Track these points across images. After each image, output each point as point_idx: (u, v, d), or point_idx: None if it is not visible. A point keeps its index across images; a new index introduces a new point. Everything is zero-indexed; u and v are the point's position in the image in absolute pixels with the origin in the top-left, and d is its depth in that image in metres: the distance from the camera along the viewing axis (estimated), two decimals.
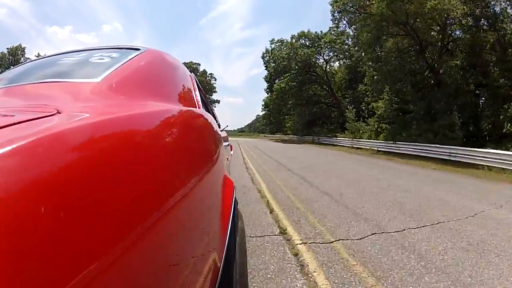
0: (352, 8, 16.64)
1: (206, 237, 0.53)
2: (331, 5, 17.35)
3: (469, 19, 12.85)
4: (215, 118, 2.06)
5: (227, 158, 1.72)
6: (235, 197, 0.96)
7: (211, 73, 53.70)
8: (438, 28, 13.83)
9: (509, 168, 7.47)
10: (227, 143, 2.08)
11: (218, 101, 54.21)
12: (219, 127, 1.90)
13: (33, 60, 1.17)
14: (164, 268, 0.35)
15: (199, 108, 1.04)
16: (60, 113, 0.39)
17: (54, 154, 0.27)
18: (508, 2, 12.07)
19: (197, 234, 0.48)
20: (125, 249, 0.27)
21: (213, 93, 51.25)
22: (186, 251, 0.43)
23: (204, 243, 0.51)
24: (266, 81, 32.08)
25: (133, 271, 0.29)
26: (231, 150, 2.89)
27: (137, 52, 0.88)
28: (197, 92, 1.19)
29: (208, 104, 1.98)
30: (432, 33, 14.23)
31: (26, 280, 0.20)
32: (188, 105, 0.91)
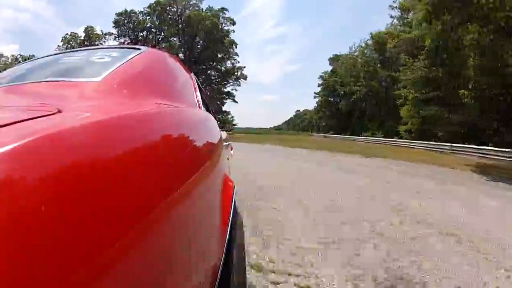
0: None
1: (205, 237, 0.53)
2: None
3: None
4: (215, 118, 2.06)
5: (228, 158, 1.73)
6: (234, 197, 0.96)
7: (222, 8, 28.32)
8: None
9: None
10: (227, 143, 2.09)
11: (243, 76, 28.97)
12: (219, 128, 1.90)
13: (34, 60, 1.17)
14: (163, 268, 0.35)
15: (199, 108, 1.04)
16: (60, 112, 0.39)
17: (54, 153, 0.27)
18: None
19: (196, 234, 0.48)
20: (124, 249, 0.28)
21: (233, 55, 25.54)
22: (185, 251, 0.43)
23: (204, 243, 0.51)
24: None
25: (131, 271, 0.29)
26: (232, 150, 2.89)
27: (138, 52, 0.89)
28: (198, 92, 1.19)
29: (209, 104, 1.98)
30: None
31: (26, 281, 0.20)
32: (188, 104, 0.91)
